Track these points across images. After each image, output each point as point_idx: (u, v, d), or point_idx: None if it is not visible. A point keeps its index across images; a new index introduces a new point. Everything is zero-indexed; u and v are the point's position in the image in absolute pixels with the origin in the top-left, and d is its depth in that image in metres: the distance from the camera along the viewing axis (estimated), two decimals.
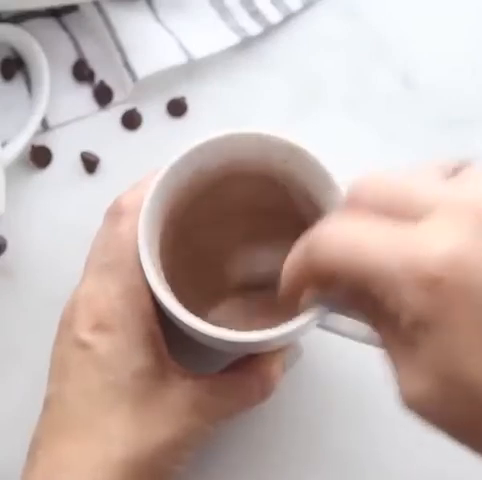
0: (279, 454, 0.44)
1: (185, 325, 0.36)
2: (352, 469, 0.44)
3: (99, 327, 0.38)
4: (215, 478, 0.44)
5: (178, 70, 0.51)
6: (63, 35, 0.51)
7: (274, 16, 0.52)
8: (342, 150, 0.48)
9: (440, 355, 0.27)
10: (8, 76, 0.50)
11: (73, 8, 0.52)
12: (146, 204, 0.38)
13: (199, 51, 0.51)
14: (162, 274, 0.38)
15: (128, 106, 0.50)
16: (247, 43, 0.52)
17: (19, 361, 0.46)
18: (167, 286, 0.38)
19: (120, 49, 0.50)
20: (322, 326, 0.40)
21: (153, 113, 0.50)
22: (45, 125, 0.50)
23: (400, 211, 0.30)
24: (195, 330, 0.36)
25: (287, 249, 0.43)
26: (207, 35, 0.51)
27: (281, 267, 0.42)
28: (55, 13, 0.52)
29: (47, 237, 0.48)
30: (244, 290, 0.45)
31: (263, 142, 0.39)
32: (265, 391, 0.40)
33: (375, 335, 0.32)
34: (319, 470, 0.44)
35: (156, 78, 0.50)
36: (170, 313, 0.36)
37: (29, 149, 0.49)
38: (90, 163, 0.49)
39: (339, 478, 0.44)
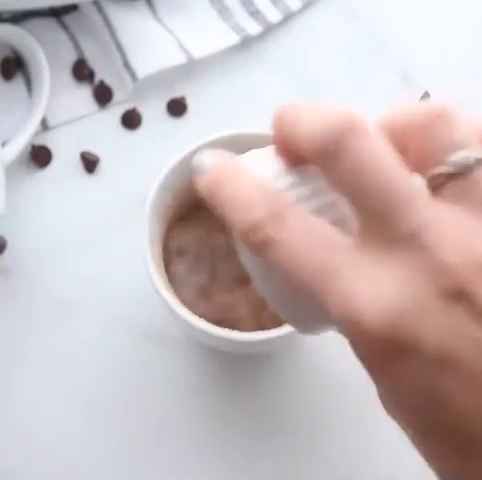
0: (279, 453, 0.44)
1: (190, 325, 0.36)
2: (352, 468, 0.44)
3: None
4: (217, 476, 0.44)
5: (178, 70, 0.51)
6: (63, 35, 0.51)
7: (274, 16, 0.52)
8: None
9: None
10: (8, 76, 0.50)
11: (73, 8, 0.52)
12: (148, 205, 0.38)
13: (199, 51, 0.51)
14: (166, 276, 0.38)
15: (128, 106, 0.50)
16: (247, 43, 0.52)
17: (19, 361, 0.46)
18: (171, 288, 0.38)
19: (120, 49, 0.50)
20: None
21: (153, 113, 0.50)
22: (45, 125, 0.50)
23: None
24: (200, 330, 0.36)
25: None
26: (207, 35, 0.51)
27: None
28: (55, 13, 0.52)
29: (47, 237, 0.48)
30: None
31: (263, 142, 0.39)
32: None
33: None
34: (319, 470, 0.44)
35: (156, 78, 0.50)
36: (175, 314, 0.36)
37: (29, 149, 0.49)
38: (90, 163, 0.49)
39: (339, 477, 0.44)
